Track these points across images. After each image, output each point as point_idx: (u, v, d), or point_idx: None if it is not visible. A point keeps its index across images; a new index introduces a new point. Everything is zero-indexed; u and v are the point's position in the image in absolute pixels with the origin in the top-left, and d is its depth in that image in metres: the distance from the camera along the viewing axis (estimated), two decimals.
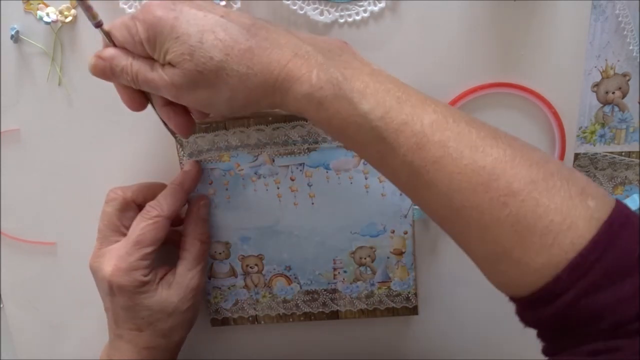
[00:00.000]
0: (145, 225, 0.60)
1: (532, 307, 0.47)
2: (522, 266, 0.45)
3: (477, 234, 0.47)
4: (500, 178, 0.45)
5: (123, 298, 0.60)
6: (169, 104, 0.55)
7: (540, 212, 0.44)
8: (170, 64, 0.50)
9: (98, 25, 0.52)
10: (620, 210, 0.45)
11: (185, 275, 0.64)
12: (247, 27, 0.50)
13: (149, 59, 0.52)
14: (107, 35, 0.53)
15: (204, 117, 0.57)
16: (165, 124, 0.58)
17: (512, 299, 0.49)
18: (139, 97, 0.55)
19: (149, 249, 0.60)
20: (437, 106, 0.48)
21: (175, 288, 0.63)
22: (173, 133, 0.60)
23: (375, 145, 0.48)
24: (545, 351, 0.50)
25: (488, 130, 0.48)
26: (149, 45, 0.50)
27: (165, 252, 0.64)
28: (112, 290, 0.60)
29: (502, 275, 0.48)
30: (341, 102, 0.48)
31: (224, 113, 0.54)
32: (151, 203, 0.62)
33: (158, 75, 0.51)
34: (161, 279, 0.63)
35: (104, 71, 0.53)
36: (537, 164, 0.46)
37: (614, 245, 0.43)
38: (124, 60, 0.52)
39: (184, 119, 0.56)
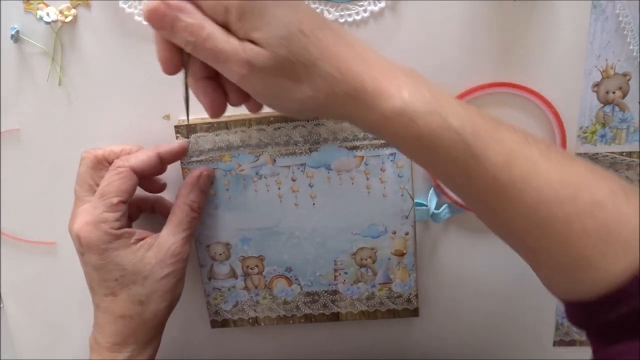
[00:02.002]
0: (109, 176, 0.59)
1: (597, 310, 0.48)
2: (601, 272, 0.46)
3: (560, 245, 0.48)
4: (585, 190, 0.47)
5: (93, 255, 0.59)
6: (207, 77, 0.52)
7: (624, 220, 0.46)
8: (253, 42, 0.46)
9: None
10: None
11: (167, 239, 0.62)
12: (339, 33, 0.49)
13: (223, 27, 0.47)
14: None
15: (258, 109, 0.55)
16: (186, 103, 0.55)
17: (571, 303, 0.50)
18: (178, 60, 0.50)
19: (114, 200, 0.59)
20: (513, 127, 0.50)
21: (155, 250, 0.61)
22: (187, 114, 0.57)
23: (464, 162, 0.48)
24: (596, 350, 0.50)
25: (561, 149, 0.51)
26: (237, 14, 0.46)
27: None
28: (82, 247, 0.59)
29: (575, 283, 0.49)
30: (433, 117, 0.48)
31: (290, 110, 0.52)
32: (122, 157, 0.61)
33: (232, 48, 0.46)
34: (140, 239, 0.61)
35: (163, 19, 0.47)
36: (608, 177, 0.48)
37: None
38: (193, 18, 0.46)
39: (220, 97, 0.53)
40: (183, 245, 0.62)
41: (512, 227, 0.50)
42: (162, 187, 0.67)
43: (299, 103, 0.49)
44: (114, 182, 0.59)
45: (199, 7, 0.47)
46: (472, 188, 0.50)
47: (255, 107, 0.55)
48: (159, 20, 0.47)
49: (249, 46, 0.46)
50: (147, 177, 0.64)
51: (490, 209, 0.51)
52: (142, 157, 0.61)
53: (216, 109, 0.53)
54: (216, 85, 0.52)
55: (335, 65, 0.47)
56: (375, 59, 0.50)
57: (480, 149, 0.47)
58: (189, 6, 0.47)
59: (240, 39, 0.47)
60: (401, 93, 0.48)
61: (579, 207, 0.46)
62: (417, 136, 0.48)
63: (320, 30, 0.48)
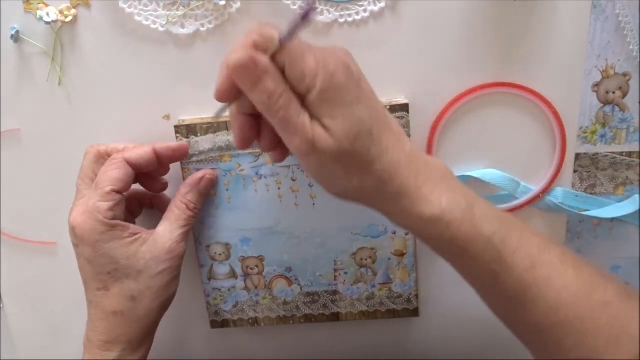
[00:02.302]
0: (104, 167, 0.60)
1: None
2: None
3: (575, 340, 0.51)
4: (596, 291, 0.51)
5: (87, 247, 0.59)
6: (250, 114, 0.52)
7: (631, 317, 0.51)
8: (323, 125, 0.48)
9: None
10: None
11: (162, 235, 0.62)
12: (396, 133, 0.52)
13: (300, 96, 0.48)
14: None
15: (281, 160, 0.57)
16: (218, 116, 0.56)
17: None
18: (234, 94, 0.50)
19: (107, 188, 0.59)
20: (531, 229, 0.54)
21: (150, 245, 0.61)
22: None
23: (492, 265, 0.52)
24: None
25: (573, 253, 0.54)
26: (318, 95, 0.47)
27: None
28: (76, 238, 0.59)
29: None
30: (468, 225, 0.51)
31: (333, 192, 0.53)
32: (121, 152, 0.62)
33: (302, 124, 0.48)
34: (135, 234, 0.60)
35: (247, 76, 0.47)
36: (612, 279, 0.53)
37: None
38: (275, 84, 0.47)
39: (253, 136, 0.54)
40: (179, 242, 0.62)
41: (533, 326, 0.53)
42: (163, 186, 0.67)
43: (344, 190, 0.52)
44: (108, 172, 0.59)
45: (283, 73, 0.48)
46: (497, 288, 0.53)
47: (280, 157, 0.56)
48: (242, 75, 0.47)
49: (318, 129, 0.48)
50: (144, 172, 0.63)
51: (512, 309, 0.54)
52: (137, 150, 0.61)
53: (244, 144, 0.54)
54: (254, 124, 0.53)
55: (388, 168, 0.50)
56: (421, 161, 0.53)
57: (508, 254, 0.51)
58: (274, 71, 0.47)
59: (311, 115, 0.48)
60: (440, 200, 0.51)
61: (592, 305, 0.51)
62: (451, 241, 0.51)
63: (384, 132, 0.50)
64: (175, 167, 0.66)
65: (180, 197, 0.63)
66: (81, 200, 0.60)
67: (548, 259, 0.52)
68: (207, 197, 0.66)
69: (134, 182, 0.63)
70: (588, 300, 0.51)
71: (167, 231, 0.62)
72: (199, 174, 0.64)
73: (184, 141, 0.65)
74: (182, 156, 0.65)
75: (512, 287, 0.52)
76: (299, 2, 0.60)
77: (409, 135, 0.63)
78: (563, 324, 0.51)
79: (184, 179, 0.66)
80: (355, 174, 0.50)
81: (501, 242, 0.51)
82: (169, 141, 0.65)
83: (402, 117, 0.62)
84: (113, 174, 0.59)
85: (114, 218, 0.59)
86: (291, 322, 0.72)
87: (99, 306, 0.61)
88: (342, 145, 0.48)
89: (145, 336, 0.63)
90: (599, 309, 0.50)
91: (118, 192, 0.59)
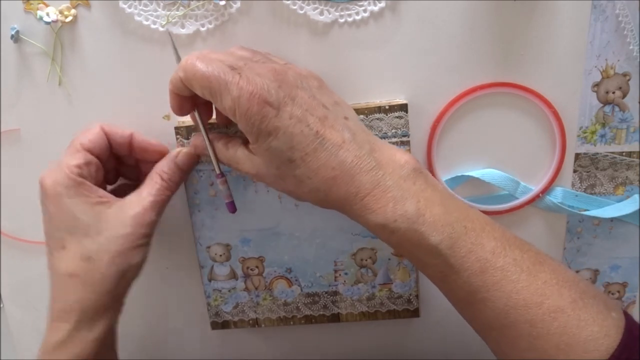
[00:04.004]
0: (86, 130, 0.61)
1: None
2: None
3: (527, 344, 0.52)
4: (549, 297, 0.52)
5: (50, 202, 0.59)
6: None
7: (582, 325, 0.51)
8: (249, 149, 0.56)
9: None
10: (629, 317, 0.53)
11: (131, 200, 0.60)
12: (337, 149, 0.53)
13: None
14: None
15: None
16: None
17: None
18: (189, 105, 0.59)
19: (77, 146, 0.59)
20: (494, 231, 0.54)
21: (115, 209, 0.60)
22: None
23: (440, 267, 0.54)
24: None
25: (536, 256, 0.54)
26: (240, 127, 0.54)
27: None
28: (43, 193, 0.59)
29: None
30: (413, 234, 0.52)
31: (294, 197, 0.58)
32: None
33: (228, 157, 0.59)
34: (102, 197, 0.60)
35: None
36: (573, 284, 0.53)
37: (635, 347, 0.51)
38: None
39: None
40: (147, 209, 0.60)
41: (486, 325, 0.55)
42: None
43: (296, 197, 0.57)
44: (84, 136, 0.60)
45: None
46: (447, 289, 0.56)
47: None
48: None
49: (244, 157, 0.57)
50: (116, 150, 0.64)
51: (464, 309, 0.56)
52: (116, 126, 0.63)
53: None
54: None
55: (320, 185, 0.53)
56: (369, 168, 0.53)
57: (455, 259, 0.52)
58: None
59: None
60: (385, 209, 0.52)
61: (543, 311, 0.51)
62: (398, 245, 0.54)
63: (313, 154, 0.52)
64: None
65: (154, 168, 0.63)
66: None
67: (501, 263, 0.52)
68: (186, 173, 0.65)
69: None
70: (539, 306, 0.51)
71: (136, 198, 0.61)
72: (176, 150, 0.64)
73: (185, 142, 0.64)
74: (159, 156, 0.64)
75: (462, 289, 0.53)
76: (299, 2, 0.60)
77: (407, 136, 0.63)
78: (514, 326, 0.52)
79: (184, 181, 0.66)
80: (293, 189, 0.55)
81: (449, 248, 0.52)
82: (168, 142, 0.65)
83: (401, 117, 0.62)
84: (89, 138, 0.60)
85: (81, 175, 0.59)
86: (291, 323, 0.72)
87: (55, 269, 0.60)
88: (261, 171, 0.56)
89: (101, 307, 0.60)
90: (550, 315, 0.51)
91: (88, 151, 0.60)
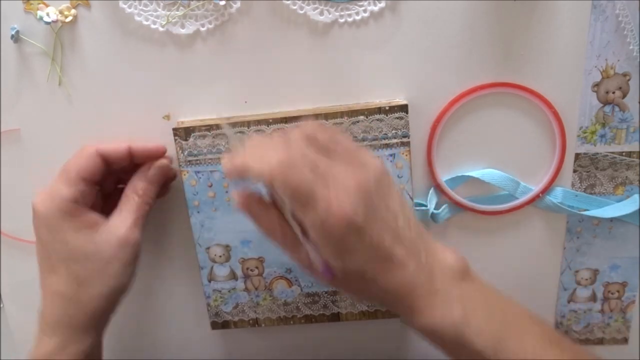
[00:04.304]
0: (76, 154, 0.61)
1: None
2: None
3: None
4: None
5: (44, 229, 0.59)
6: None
7: None
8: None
9: None
10: None
11: (114, 222, 0.61)
12: (405, 261, 0.52)
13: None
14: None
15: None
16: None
17: None
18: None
19: (72, 174, 0.59)
20: (535, 329, 0.55)
21: (101, 232, 0.60)
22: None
23: None
24: None
25: (574, 353, 0.55)
26: (313, 236, 0.51)
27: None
28: (36, 220, 0.60)
29: None
30: (459, 339, 0.52)
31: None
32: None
33: (299, 258, 0.55)
34: (91, 221, 0.60)
35: (248, 213, 0.56)
36: None
37: None
38: (271, 222, 0.55)
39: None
40: (130, 228, 0.61)
41: None
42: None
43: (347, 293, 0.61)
44: (77, 159, 0.60)
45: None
46: None
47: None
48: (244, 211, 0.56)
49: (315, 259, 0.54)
50: (116, 167, 0.63)
51: None
52: (111, 144, 0.62)
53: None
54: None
55: (382, 295, 0.53)
56: (423, 277, 0.53)
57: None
58: (270, 210, 0.55)
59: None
60: (433, 313, 0.52)
61: None
62: (442, 345, 0.54)
63: (382, 269, 0.52)
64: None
65: (130, 187, 0.63)
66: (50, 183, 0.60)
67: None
68: (159, 185, 0.65)
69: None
70: None
71: (119, 219, 0.62)
72: (150, 164, 0.64)
73: (183, 144, 0.64)
74: (159, 156, 0.64)
75: None
76: (299, 2, 0.60)
77: (408, 137, 0.63)
78: None
79: (183, 182, 0.66)
80: (351, 292, 0.56)
81: (493, 354, 0.52)
82: (168, 142, 0.65)
83: (402, 118, 0.62)
84: (81, 162, 0.60)
85: (75, 203, 0.59)
86: (292, 322, 0.72)
87: (45, 287, 0.61)
88: (338, 284, 0.55)
89: (89, 324, 0.61)
90: None
91: (83, 179, 0.60)
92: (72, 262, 0.60)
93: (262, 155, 0.51)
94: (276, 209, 0.54)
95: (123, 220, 0.61)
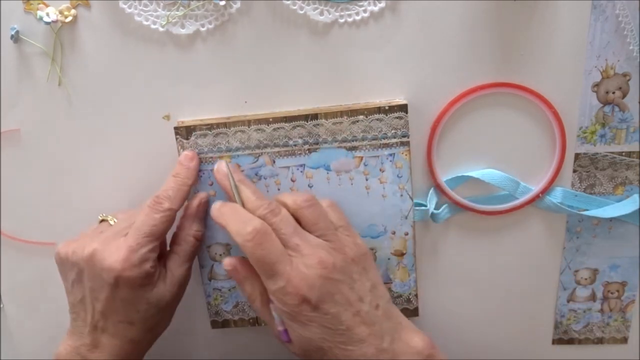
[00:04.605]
0: (159, 217, 0.60)
1: None
2: None
3: None
4: None
5: (127, 290, 0.59)
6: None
7: None
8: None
9: None
10: None
11: (177, 270, 0.63)
12: (364, 339, 0.56)
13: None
14: None
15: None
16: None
17: None
18: None
19: (158, 242, 0.60)
20: None
21: (168, 282, 0.62)
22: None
23: None
24: None
25: None
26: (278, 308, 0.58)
27: None
28: (117, 283, 0.58)
29: None
30: None
31: None
32: (160, 195, 0.61)
33: (270, 323, 0.62)
34: (155, 279, 0.62)
35: (234, 277, 0.63)
36: None
37: None
38: (252, 290, 0.62)
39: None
40: (188, 274, 0.65)
41: None
42: None
43: None
44: (163, 224, 0.61)
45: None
46: None
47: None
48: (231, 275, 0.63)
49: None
50: None
51: None
52: (181, 195, 0.63)
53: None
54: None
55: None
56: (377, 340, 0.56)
57: None
58: (251, 279, 0.61)
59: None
60: None
61: None
62: None
63: (340, 345, 0.55)
64: (172, 170, 0.65)
65: (187, 230, 0.65)
66: (125, 242, 0.59)
67: None
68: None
69: None
70: None
71: (178, 265, 0.64)
72: (195, 202, 0.65)
73: (184, 142, 0.64)
74: (195, 164, 0.65)
75: None
76: (299, 2, 0.60)
77: (407, 137, 0.63)
78: None
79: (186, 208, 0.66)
80: None
81: None
82: (168, 142, 0.65)
83: (401, 118, 0.62)
84: (166, 227, 0.62)
85: (155, 266, 0.61)
86: None
87: (117, 335, 0.61)
88: (297, 353, 0.59)
89: (150, 346, 0.66)
90: None
91: (159, 237, 0.61)
92: (150, 316, 0.62)
93: (243, 218, 0.57)
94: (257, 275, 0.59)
95: (182, 266, 0.64)
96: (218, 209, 0.60)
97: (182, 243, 0.65)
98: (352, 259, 0.58)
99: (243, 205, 0.60)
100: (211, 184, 0.66)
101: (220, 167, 0.63)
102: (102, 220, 0.66)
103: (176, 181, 0.63)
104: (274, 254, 0.55)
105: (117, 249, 0.59)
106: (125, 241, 0.59)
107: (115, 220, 0.65)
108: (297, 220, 0.59)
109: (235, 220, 0.57)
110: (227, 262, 0.62)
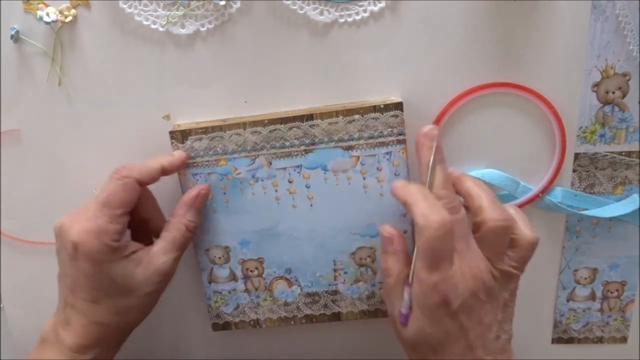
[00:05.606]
0: (114, 185, 0.59)
1: None
2: None
3: None
4: None
5: (87, 263, 0.57)
6: None
7: None
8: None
9: None
10: None
11: (158, 257, 0.61)
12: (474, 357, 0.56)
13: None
14: None
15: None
16: None
17: None
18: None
19: (118, 211, 0.58)
20: None
21: (144, 266, 0.60)
22: None
23: None
24: None
25: None
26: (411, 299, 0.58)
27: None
28: (76, 254, 0.57)
29: None
30: None
31: None
32: (124, 165, 0.60)
33: (391, 305, 0.61)
34: (132, 252, 0.60)
35: (384, 243, 0.63)
36: None
37: None
38: (393, 265, 0.61)
39: None
40: (172, 265, 0.62)
41: None
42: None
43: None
44: (119, 192, 0.59)
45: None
46: None
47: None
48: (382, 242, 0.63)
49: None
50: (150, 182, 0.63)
51: None
52: (147, 169, 0.61)
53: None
54: None
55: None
56: None
57: None
58: (400, 255, 0.61)
59: None
60: None
61: None
62: None
63: (451, 351, 0.56)
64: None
65: (179, 217, 0.63)
66: (85, 213, 0.58)
67: None
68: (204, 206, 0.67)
69: None
70: None
71: (162, 252, 0.62)
72: (194, 192, 0.64)
73: (180, 147, 0.64)
74: (182, 166, 0.65)
75: None
76: (299, 2, 0.60)
77: (403, 135, 0.63)
78: None
79: (181, 183, 0.66)
80: (408, 352, 0.60)
81: None
82: (168, 153, 0.64)
83: (397, 116, 0.62)
84: (125, 196, 0.59)
85: (119, 239, 0.59)
86: (292, 322, 0.72)
87: (82, 313, 0.60)
88: (406, 340, 0.59)
89: (121, 341, 0.64)
90: None
91: (126, 212, 0.59)
92: (116, 296, 0.60)
93: (432, 203, 0.55)
94: (406, 252, 0.61)
95: (167, 254, 0.62)
96: (403, 187, 0.58)
97: (172, 230, 0.63)
98: (500, 290, 0.57)
99: (430, 186, 0.58)
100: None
101: (430, 134, 0.58)
102: None
103: (148, 158, 0.62)
104: (447, 250, 0.54)
105: (78, 219, 0.58)
106: (84, 211, 0.58)
107: None
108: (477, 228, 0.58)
109: (424, 202, 0.55)
110: (387, 229, 0.62)
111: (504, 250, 0.57)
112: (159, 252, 0.62)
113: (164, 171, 0.62)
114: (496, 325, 0.56)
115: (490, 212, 0.56)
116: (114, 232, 0.58)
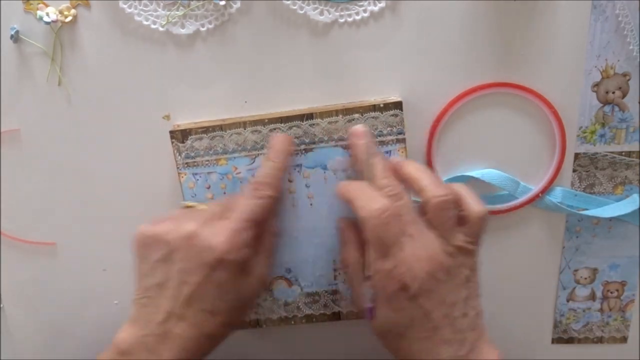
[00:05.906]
0: (260, 203, 0.59)
1: None
2: None
3: None
4: None
5: (224, 275, 0.57)
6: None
7: None
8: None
9: None
10: None
11: (264, 266, 0.62)
12: (446, 341, 0.56)
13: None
14: None
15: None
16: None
17: None
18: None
19: (256, 230, 0.59)
20: None
21: (251, 277, 0.60)
22: None
23: None
24: None
25: None
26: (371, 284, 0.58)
27: None
28: (216, 265, 0.56)
29: None
30: None
31: None
32: (260, 180, 0.59)
33: (357, 294, 0.63)
34: (247, 265, 0.60)
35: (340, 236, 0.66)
36: None
37: None
38: (351, 255, 0.63)
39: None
40: (269, 271, 0.65)
41: None
42: None
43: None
44: (260, 210, 0.59)
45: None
46: None
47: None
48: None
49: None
50: None
51: None
52: (278, 182, 0.61)
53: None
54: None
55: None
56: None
57: None
58: (355, 244, 0.63)
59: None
60: None
61: None
62: None
63: (421, 340, 0.56)
64: (172, 170, 0.66)
65: (270, 225, 0.63)
66: (222, 223, 0.58)
67: None
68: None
69: None
70: None
71: (263, 261, 0.62)
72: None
73: (180, 146, 0.64)
74: (290, 149, 0.64)
75: None
76: (299, 2, 0.60)
77: (403, 134, 0.63)
78: None
79: (181, 184, 0.66)
80: (387, 344, 0.61)
81: None
82: (166, 142, 0.64)
83: (396, 115, 0.62)
84: (265, 214, 0.59)
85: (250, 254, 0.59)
86: (292, 322, 0.72)
87: (196, 326, 0.57)
88: (375, 330, 0.59)
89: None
90: None
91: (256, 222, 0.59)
92: (233, 309, 0.59)
93: (371, 195, 0.56)
94: (361, 242, 0.60)
95: (265, 264, 0.63)
96: (345, 186, 0.60)
97: (267, 241, 0.63)
98: (460, 263, 0.57)
99: (371, 180, 0.58)
100: (208, 187, 0.66)
101: (358, 132, 0.61)
102: (187, 207, 0.65)
103: (273, 166, 0.61)
104: (394, 236, 0.54)
105: (221, 230, 0.57)
106: (228, 223, 0.57)
107: (205, 207, 0.63)
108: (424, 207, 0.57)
109: (363, 195, 0.57)
110: (341, 221, 0.64)
111: (454, 225, 0.56)
112: (261, 262, 0.62)
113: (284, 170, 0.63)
114: (461, 303, 0.56)
115: (431, 189, 0.56)
116: (249, 245, 0.58)
